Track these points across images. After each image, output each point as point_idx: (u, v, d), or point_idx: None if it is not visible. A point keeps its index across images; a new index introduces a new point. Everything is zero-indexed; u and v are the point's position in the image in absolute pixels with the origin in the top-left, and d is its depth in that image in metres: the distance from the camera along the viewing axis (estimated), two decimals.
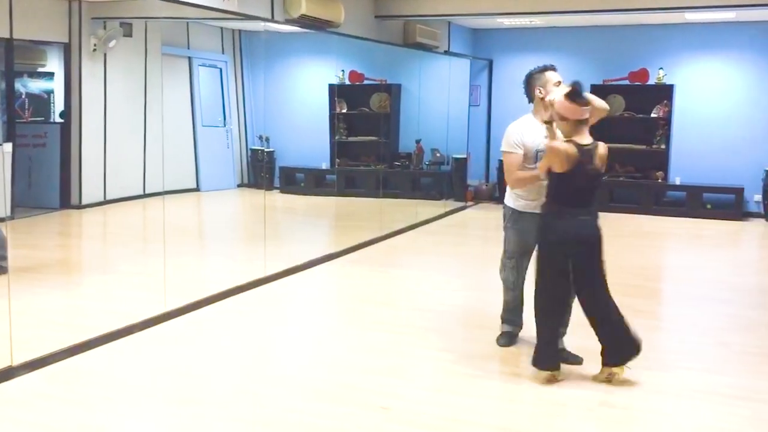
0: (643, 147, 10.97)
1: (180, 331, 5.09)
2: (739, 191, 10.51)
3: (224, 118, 12.45)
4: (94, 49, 9.86)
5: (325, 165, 12.18)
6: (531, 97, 4.55)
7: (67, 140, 9.84)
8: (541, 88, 4.45)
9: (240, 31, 12.63)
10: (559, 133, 4.19)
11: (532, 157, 4.47)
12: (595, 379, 4.20)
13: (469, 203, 11.62)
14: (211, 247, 8.80)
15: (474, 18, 10.71)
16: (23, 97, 10.82)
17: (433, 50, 10.96)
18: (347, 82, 11.89)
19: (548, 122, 4.27)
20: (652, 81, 10.92)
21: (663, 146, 10.92)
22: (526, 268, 4.73)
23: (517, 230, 4.65)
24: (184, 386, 4.11)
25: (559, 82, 4.42)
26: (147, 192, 10.44)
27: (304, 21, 8.15)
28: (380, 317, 5.49)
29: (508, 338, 4.82)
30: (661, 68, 10.84)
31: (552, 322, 4.20)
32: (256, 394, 4.00)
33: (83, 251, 8.29)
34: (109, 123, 10.20)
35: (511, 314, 4.84)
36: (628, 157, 10.88)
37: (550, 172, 4.16)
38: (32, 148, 9.77)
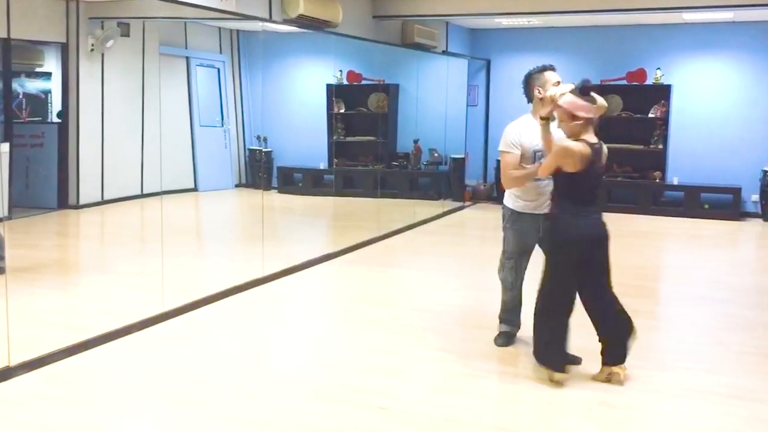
0: (641, 147, 10.98)
1: (178, 331, 5.08)
2: (736, 191, 10.53)
3: (222, 118, 12.43)
4: (92, 49, 9.84)
5: (322, 165, 12.16)
6: (530, 97, 4.54)
7: (65, 140, 9.83)
8: (540, 88, 4.44)
9: (238, 31, 12.62)
10: (560, 133, 4.18)
11: (530, 158, 4.47)
12: (594, 378, 4.21)
13: (467, 203, 11.62)
14: (208, 247, 8.80)
15: (472, 18, 10.71)
16: (21, 97, 10.79)
17: (431, 50, 10.95)
18: (345, 82, 11.87)
19: (545, 118, 4.25)
20: (649, 81, 10.93)
21: (661, 146, 10.94)
22: (525, 269, 4.76)
23: (517, 231, 4.66)
24: (182, 386, 4.10)
25: (558, 82, 4.41)
26: (145, 192, 10.43)
27: (302, 21, 8.15)
28: (378, 317, 5.49)
29: (506, 338, 4.83)
30: (659, 68, 10.85)
31: (553, 323, 4.20)
32: (254, 394, 4.00)
33: (81, 251, 8.28)
34: (106, 123, 10.19)
35: (510, 314, 4.85)
36: (625, 157, 10.87)
37: (558, 173, 4.12)
38: (30, 148, 9.76)
